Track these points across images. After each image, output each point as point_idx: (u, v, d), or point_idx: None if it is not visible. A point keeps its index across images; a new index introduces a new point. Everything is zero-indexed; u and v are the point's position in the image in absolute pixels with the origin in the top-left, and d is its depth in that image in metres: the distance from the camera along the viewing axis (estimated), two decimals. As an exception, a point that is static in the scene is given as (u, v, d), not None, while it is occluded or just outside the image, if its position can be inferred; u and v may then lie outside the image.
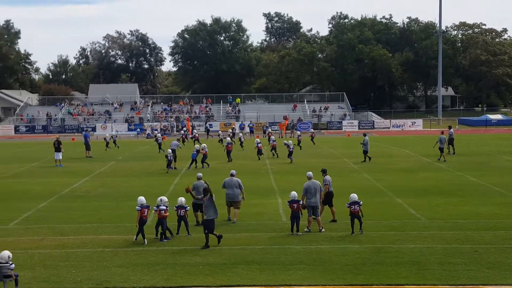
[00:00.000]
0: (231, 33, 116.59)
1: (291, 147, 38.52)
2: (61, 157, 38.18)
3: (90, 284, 14.06)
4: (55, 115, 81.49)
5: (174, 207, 18.64)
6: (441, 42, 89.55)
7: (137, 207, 17.67)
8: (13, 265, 13.45)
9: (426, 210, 21.89)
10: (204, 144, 37.61)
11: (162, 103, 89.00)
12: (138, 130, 72.89)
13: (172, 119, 78.90)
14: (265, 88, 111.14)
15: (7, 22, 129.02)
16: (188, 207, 18.84)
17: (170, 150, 35.48)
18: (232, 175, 20.69)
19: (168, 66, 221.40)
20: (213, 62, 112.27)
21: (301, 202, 18.65)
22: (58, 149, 38.08)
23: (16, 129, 76.32)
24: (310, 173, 19.66)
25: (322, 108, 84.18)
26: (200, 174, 20.59)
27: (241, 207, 20.45)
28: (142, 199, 17.92)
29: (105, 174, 34.02)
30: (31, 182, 30.65)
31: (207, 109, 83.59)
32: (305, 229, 18.71)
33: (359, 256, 16.07)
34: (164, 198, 18.15)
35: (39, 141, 61.82)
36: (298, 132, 54.48)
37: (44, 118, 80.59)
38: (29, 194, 26.72)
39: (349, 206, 18.46)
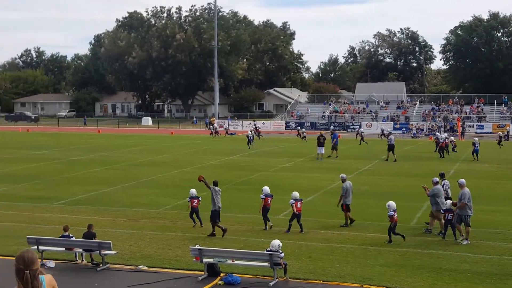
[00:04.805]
0: (510, 29, 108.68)
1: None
2: (323, 152, 40.29)
3: (353, 280, 14.14)
4: (323, 112, 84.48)
5: (442, 211, 17.92)
6: None
7: (261, 196, 19.17)
8: (282, 254, 14.11)
9: None
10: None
11: (432, 102, 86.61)
12: (404, 129, 71.95)
13: (439, 119, 76.32)
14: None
15: (284, 24, 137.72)
16: (454, 213, 17.90)
17: (249, 132, 46.17)
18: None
19: (437, 64, 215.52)
20: (488, 60, 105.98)
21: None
22: (321, 144, 40.31)
23: (286, 125, 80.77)
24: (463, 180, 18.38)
25: None
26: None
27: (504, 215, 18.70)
28: (266, 189, 19.30)
29: (369, 172, 34.16)
30: (298, 176, 32.11)
31: (479, 109, 79.08)
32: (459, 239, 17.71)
33: None
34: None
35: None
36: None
37: (312, 115, 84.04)
38: (298, 188, 27.91)
39: None
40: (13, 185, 28.70)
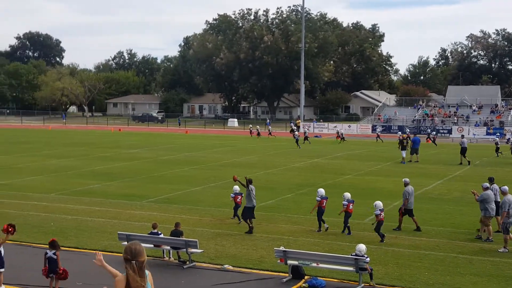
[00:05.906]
0: None
1: None
2: (404, 155, 40.26)
3: (442, 288, 13.67)
4: (414, 116, 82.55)
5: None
6: None
7: (317, 197, 19.12)
8: (368, 259, 13.83)
9: None
10: None
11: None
12: (498, 134, 69.11)
13: (536, 124, 72.91)
14: None
15: (374, 26, 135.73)
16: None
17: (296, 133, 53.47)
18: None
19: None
20: None
21: None
22: (404, 148, 40.49)
23: (373, 128, 79.47)
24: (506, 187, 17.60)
25: None
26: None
27: None
28: (322, 191, 19.35)
29: (459, 178, 33.05)
30: (384, 180, 31.51)
31: None
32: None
33: None
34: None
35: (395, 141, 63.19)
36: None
37: (400, 119, 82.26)
38: (383, 192, 27.40)
39: None
40: (105, 182, 29.77)
